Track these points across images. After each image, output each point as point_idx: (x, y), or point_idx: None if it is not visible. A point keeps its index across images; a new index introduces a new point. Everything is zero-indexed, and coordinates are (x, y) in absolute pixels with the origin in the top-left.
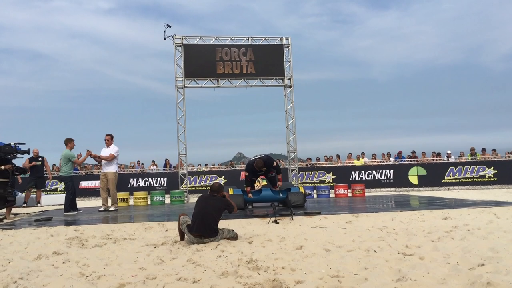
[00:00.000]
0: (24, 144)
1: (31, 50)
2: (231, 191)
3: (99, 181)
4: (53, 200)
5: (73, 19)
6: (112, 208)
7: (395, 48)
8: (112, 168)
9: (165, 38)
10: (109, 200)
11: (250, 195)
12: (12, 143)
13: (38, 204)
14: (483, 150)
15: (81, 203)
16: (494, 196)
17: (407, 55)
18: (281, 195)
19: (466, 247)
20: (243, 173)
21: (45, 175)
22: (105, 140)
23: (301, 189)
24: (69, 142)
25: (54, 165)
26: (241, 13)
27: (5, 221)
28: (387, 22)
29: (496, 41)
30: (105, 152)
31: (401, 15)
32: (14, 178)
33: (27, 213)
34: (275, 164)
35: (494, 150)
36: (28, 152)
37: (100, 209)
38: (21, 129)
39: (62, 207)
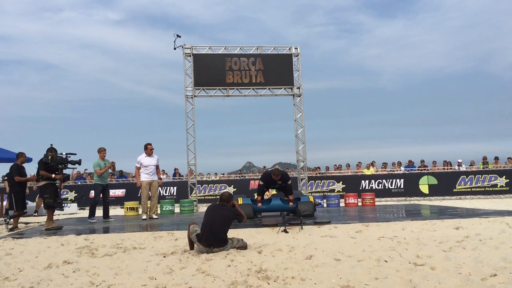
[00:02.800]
0: (75, 154)
1: (41, 61)
2: (240, 201)
3: (116, 190)
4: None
5: (83, 30)
6: (154, 216)
7: (403, 57)
8: (157, 177)
9: (174, 48)
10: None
11: (260, 204)
12: (63, 153)
13: (35, 213)
14: (496, 158)
15: (99, 211)
16: (506, 206)
17: (416, 64)
18: (291, 204)
19: (478, 257)
20: (252, 182)
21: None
22: (151, 149)
23: (311, 199)
24: (99, 151)
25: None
26: (249, 23)
27: (15, 230)
28: (394, 31)
29: (504, 49)
30: (152, 161)
31: (408, 24)
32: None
33: (38, 222)
34: (289, 182)
35: (510, 158)
36: (79, 162)
37: (143, 218)
38: (32, 138)
39: (72, 216)
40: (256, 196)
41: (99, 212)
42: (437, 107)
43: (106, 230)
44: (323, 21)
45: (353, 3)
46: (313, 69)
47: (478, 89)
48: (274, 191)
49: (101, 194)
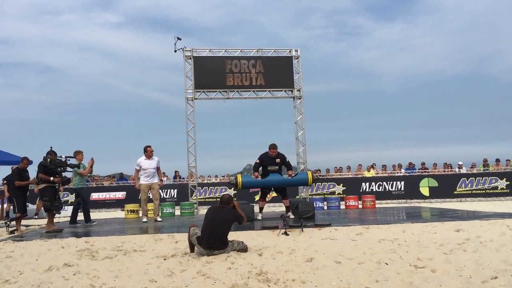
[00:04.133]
0: (74, 157)
1: (41, 64)
2: (239, 177)
3: (109, 193)
4: (63, 212)
5: (83, 32)
6: (159, 219)
7: (402, 59)
8: (157, 179)
9: (175, 51)
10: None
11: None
12: (63, 156)
13: (36, 216)
14: (497, 160)
15: (92, 215)
16: (506, 208)
17: (415, 66)
18: (289, 176)
19: (478, 259)
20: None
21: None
22: (151, 151)
23: (309, 174)
24: (77, 154)
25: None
26: (248, 25)
27: (16, 233)
28: (393, 34)
29: (504, 51)
30: (151, 164)
31: (407, 26)
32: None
33: (38, 225)
34: (287, 160)
35: (509, 160)
36: (78, 166)
37: (144, 220)
38: (32, 141)
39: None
40: (253, 172)
41: (78, 216)
42: (437, 109)
43: (106, 233)
44: (323, 23)
45: (352, 6)
46: (313, 71)
47: (478, 91)
48: (274, 194)
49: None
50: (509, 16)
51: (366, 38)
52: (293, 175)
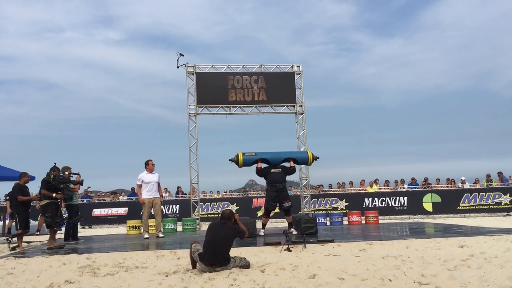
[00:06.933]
0: (78, 174)
1: (43, 80)
2: (240, 155)
3: (111, 209)
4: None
5: (84, 49)
6: (161, 235)
7: (402, 75)
8: (158, 194)
9: (177, 67)
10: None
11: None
12: (66, 173)
13: (38, 232)
14: (500, 173)
15: (94, 231)
16: (510, 224)
17: (415, 82)
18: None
19: (483, 275)
20: (255, 200)
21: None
22: (153, 165)
23: (309, 154)
24: (65, 170)
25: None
26: (249, 42)
27: (18, 249)
28: (393, 50)
29: (503, 67)
30: (153, 178)
31: (406, 42)
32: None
33: (39, 241)
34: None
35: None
36: (81, 182)
37: (145, 236)
38: (34, 157)
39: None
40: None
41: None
42: (439, 124)
43: (108, 249)
44: (322, 40)
45: (351, 22)
46: (314, 87)
47: (478, 106)
48: (277, 209)
49: (66, 214)
50: (508, 33)
51: (365, 54)
52: (293, 163)
